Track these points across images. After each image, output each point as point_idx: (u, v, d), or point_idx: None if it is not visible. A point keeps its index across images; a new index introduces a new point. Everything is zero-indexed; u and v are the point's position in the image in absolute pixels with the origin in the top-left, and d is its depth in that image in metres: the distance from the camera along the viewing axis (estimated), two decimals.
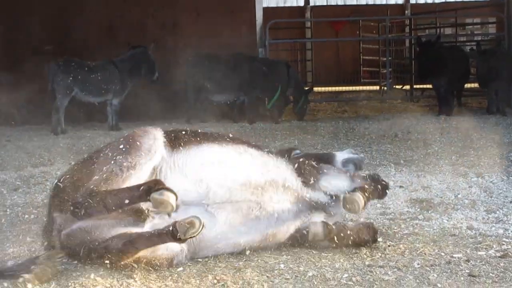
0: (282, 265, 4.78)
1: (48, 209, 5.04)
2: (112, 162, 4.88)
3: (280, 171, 5.33)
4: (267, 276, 4.55)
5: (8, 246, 5.64)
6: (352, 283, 4.40)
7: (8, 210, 7.06)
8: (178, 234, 4.43)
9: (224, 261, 4.87)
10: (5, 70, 17.02)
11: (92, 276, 4.51)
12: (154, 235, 4.58)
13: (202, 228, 4.45)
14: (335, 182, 5.41)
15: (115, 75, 15.19)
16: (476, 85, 18.38)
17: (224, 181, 5.06)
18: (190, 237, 4.50)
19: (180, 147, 5.17)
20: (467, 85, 18.53)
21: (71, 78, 14.71)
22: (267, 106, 16.54)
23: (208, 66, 15.91)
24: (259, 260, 4.89)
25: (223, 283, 4.44)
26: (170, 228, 4.48)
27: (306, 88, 17.31)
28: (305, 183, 5.34)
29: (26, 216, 6.79)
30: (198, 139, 5.29)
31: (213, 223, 4.92)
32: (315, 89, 22.13)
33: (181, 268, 4.69)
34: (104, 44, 16.99)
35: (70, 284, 4.39)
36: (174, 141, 5.21)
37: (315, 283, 4.41)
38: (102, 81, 15.01)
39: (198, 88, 16.03)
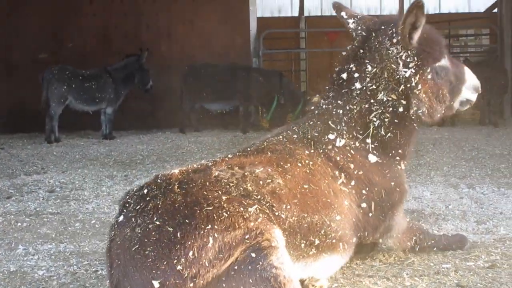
0: None
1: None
2: None
3: None
4: None
5: (0, 253, 5.65)
6: None
7: (0, 218, 7.07)
8: None
9: None
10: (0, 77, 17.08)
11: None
12: None
13: None
14: None
15: (109, 83, 15.23)
16: None
17: None
18: None
19: None
20: None
21: (65, 87, 14.79)
22: (266, 118, 16.55)
23: (204, 75, 15.97)
24: None
25: None
26: None
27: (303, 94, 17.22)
28: None
29: (19, 224, 6.80)
30: None
31: None
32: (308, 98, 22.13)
33: None
34: (99, 53, 17.07)
35: None
36: None
37: None
38: (96, 89, 15.06)
39: (194, 97, 16.09)
